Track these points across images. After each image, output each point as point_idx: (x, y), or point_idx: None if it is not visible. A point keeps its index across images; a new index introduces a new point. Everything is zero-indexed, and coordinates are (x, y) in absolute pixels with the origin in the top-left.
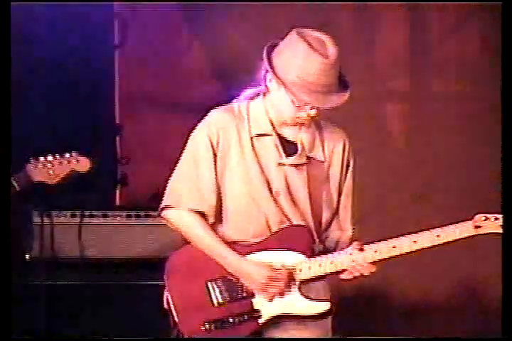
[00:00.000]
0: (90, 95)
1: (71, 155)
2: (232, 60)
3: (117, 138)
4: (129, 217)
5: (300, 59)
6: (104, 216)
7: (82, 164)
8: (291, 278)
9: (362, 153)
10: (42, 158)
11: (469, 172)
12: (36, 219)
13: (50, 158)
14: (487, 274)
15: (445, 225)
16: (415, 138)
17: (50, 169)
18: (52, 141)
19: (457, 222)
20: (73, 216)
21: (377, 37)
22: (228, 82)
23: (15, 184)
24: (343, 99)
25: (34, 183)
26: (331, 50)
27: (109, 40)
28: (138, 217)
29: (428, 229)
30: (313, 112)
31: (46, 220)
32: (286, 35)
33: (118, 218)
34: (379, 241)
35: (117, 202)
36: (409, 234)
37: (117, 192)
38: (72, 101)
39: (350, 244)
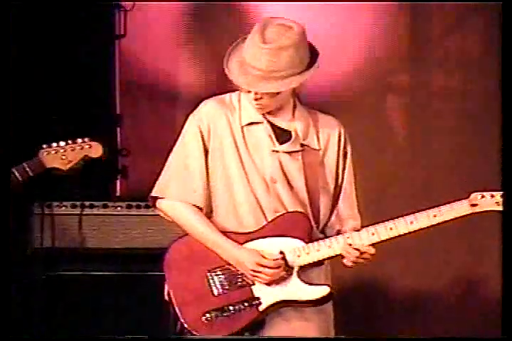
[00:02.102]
0: (90, 86)
1: (83, 141)
2: None
3: (118, 129)
4: (129, 207)
5: (248, 40)
6: (105, 206)
7: (95, 149)
8: (285, 266)
9: (361, 149)
10: (54, 144)
11: (469, 171)
12: (37, 210)
13: (62, 143)
14: (487, 273)
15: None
16: (415, 134)
17: (63, 155)
18: (52, 131)
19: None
20: (74, 206)
21: (378, 32)
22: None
23: (28, 170)
24: (278, 87)
25: (47, 169)
26: (283, 39)
27: (110, 30)
28: (138, 207)
29: (424, 210)
30: (251, 96)
31: (47, 211)
32: None
33: (118, 209)
34: (376, 223)
35: (118, 192)
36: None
37: (118, 182)
38: (72, 92)
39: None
